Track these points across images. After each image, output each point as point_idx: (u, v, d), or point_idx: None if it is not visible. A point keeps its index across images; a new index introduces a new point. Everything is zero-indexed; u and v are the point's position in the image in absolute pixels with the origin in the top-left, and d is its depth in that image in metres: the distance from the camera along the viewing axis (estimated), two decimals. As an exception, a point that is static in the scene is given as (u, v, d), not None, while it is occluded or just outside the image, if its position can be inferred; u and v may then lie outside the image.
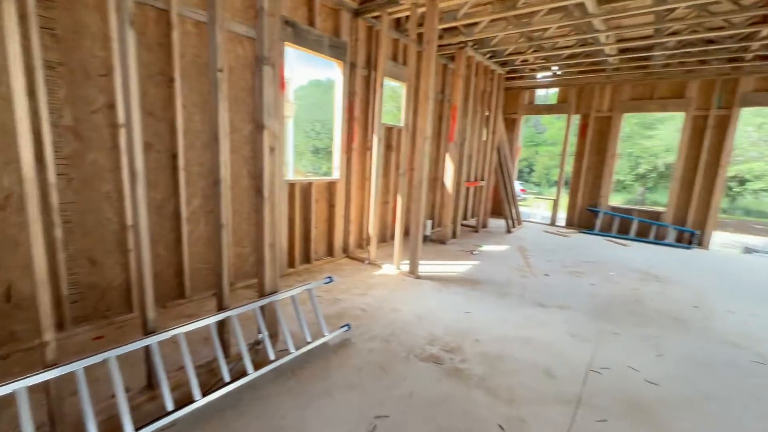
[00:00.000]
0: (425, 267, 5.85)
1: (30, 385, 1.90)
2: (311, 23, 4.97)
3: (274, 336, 3.29)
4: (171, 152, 3.81)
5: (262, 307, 3.07)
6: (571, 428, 2.51)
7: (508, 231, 9.13)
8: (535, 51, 7.79)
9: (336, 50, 5.29)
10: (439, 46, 7.20)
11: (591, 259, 7.01)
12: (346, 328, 3.54)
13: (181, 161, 3.85)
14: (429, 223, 7.73)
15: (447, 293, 4.84)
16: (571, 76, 9.43)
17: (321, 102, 33.24)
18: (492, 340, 3.65)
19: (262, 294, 3.15)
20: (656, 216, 9.05)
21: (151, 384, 2.56)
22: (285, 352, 3.06)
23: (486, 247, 7.45)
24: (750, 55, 7.02)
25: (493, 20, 6.40)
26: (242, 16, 4.22)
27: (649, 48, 7.14)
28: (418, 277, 5.34)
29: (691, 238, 8.50)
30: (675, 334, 4.04)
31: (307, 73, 37.93)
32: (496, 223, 10.07)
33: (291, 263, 5.34)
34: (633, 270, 6.41)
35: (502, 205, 9.44)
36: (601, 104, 9.42)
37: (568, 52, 7.54)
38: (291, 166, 17.24)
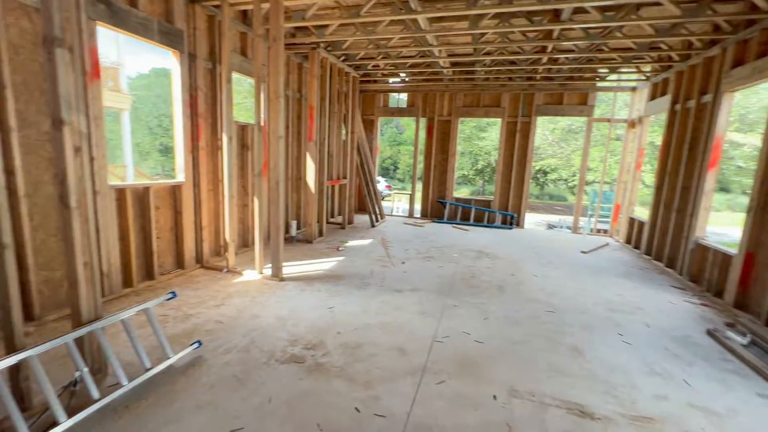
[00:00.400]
0: (290, 268, 5.77)
1: None
2: (133, 3, 4.30)
3: (100, 370, 2.78)
4: None
5: (78, 340, 2.55)
6: (416, 395, 2.85)
7: (372, 225, 9.70)
8: (383, 57, 8.43)
9: (169, 38, 4.72)
10: (292, 44, 7.13)
11: (440, 244, 8.03)
12: (196, 345, 3.23)
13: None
14: (294, 223, 7.62)
15: (311, 292, 4.88)
16: (417, 83, 10.53)
17: (168, 94, 29.01)
18: (353, 330, 3.86)
19: (78, 323, 2.62)
20: (488, 204, 10.92)
21: None
22: (117, 386, 2.63)
23: (351, 243, 7.77)
24: (538, 76, 9.06)
25: (342, 25, 6.67)
26: (27, -17, 3.37)
27: (472, 64, 8.52)
28: (282, 280, 5.23)
29: (511, 220, 10.54)
30: (497, 299, 4.97)
31: (148, 60, 32.63)
32: (362, 219, 10.58)
33: (127, 282, 4.57)
34: (471, 250, 7.61)
35: (365, 202, 9.97)
36: (442, 109, 10.82)
37: (411, 61, 8.40)
38: (131, 168, 14.57)
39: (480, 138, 24.89)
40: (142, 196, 4.69)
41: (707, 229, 6.09)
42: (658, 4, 5.09)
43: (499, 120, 10.49)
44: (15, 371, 2.30)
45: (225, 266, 5.56)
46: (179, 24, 4.87)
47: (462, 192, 28.37)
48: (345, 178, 9.27)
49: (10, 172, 3.21)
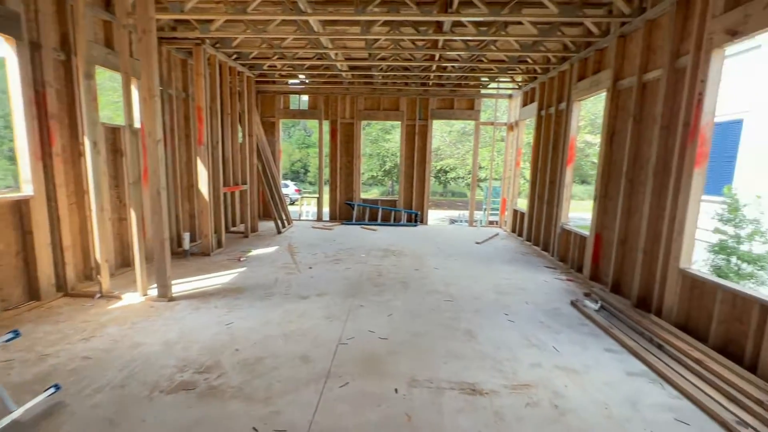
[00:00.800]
0: (183, 285, 5.22)
1: None
2: (-61, -26, 3.42)
3: None
4: None
5: None
6: (319, 402, 2.81)
7: (279, 232, 9.33)
8: (279, 58, 8.15)
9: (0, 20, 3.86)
10: (173, 38, 6.47)
11: (348, 246, 8.08)
12: (52, 390, 2.70)
13: None
14: (187, 235, 6.91)
15: (207, 309, 4.48)
16: (317, 86, 10.44)
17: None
18: (252, 345, 3.64)
19: None
20: (394, 203, 11.35)
21: None
22: (-72, 461, 2.05)
23: (255, 252, 7.36)
24: (431, 82, 9.72)
25: (230, 21, 6.26)
26: None
27: (369, 68, 8.76)
28: (172, 299, 4.70)
29: (416, 217, 11.13)
30: (402, 294, 5.19)
31: (-18, 46, 26.35)
32: (268, 226, 10.09)
33: (-48, 325, 3.62)
34: (378, 249, 7.81)
35: (270, 208, 9.53)
36: (345, 112, 10.91)
37: (309, 63, 8.28)
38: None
39: (386, 140, 25.75)
40: (-30, 215, 3.77)
41: (572, 216, 7.22)
42: (521, 23, 5.87)
43: (399, 123, 10.97)
44: None
45: (98, 291, 4.78)
46: (13, 5, 4.02)
47: (373, 193, 29.05)
48: (245, 183, 8.73)
49: None
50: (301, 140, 35.33)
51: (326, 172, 11.26)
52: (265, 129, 10.65)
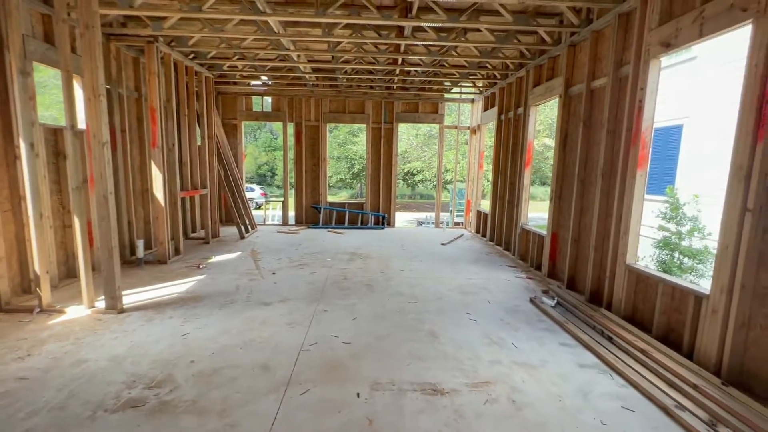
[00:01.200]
0: (135, 296, 4.93)
1: None
2: None
3: None
4: None
5: None
6: (278, 412, 2.73)
7: (242, 237, 9.04)
8: (240, 59, 7.93)
9: None
10: (123, 35, 6.12)
11: (314, 250, 7.97)
12: (-23, 416, 2.46)
13: None
14: (141, 242, 6.54)
15: (161, 320, 4.25)
16: (280, 87, 10.25)
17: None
18: (210, 356, 3.49)
19: None
20: (361, 206, 11.32)
21: None
22: None
23: (216, 258, 7.09)
24: (395, 86, 9.81)
25: (185, 18, 6.02)
26: None
27: (333, 71, 8.71)
28: (122, 311, 4.42)
29: (383, 220, 11.16)
30: (367, 297, 5.17)
31: None
32: (230, 231, 9.77)
33: None
34: (345, 253, 7.76)
35: (232, 213, 9.22)
36: (309, 114, 10.78)
37: (271, 64, 8.11)
38: None
39: (353, 143, 25.69)
40: None
41: (533, 216, 7.51)
42: (479, 30, 6.05)
43: (365, 126, 10.98)
44: None
45: (37, 305, 4.41)
46: (-67, -6, 3.66)
47: (342, 196, 28.87)
48: (205, 187, 8.40)
49: None
50: (268, 143, 34.53)
51: (291, 175, 11.07)
52: (227, 131, 10.32)
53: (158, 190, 6.49)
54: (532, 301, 5.12)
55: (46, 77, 16.69)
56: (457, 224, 12.51)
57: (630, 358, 3.47)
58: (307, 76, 8.91)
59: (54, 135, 5.21)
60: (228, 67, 8.58)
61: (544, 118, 20.29)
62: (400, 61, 7.74)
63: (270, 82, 10.00)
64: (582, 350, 3.78)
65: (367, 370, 3.33)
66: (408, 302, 5.03)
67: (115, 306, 4.40)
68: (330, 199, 11.47)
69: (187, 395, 2.89)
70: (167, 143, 6.77)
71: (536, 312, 4.80)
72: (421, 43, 6.33)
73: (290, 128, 10.86)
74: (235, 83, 10.16)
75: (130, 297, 4.87)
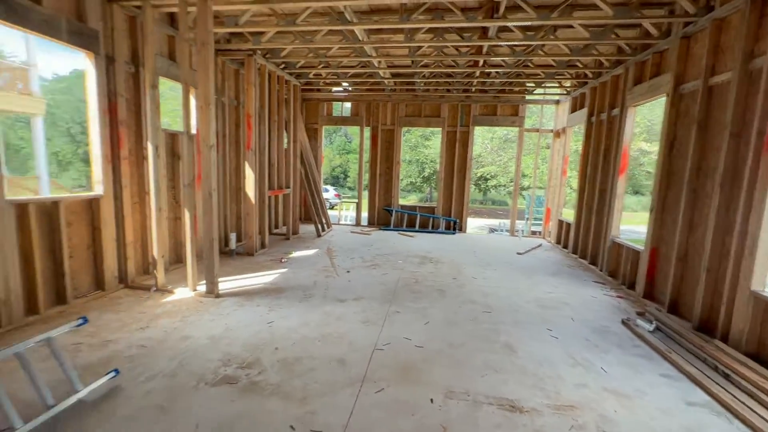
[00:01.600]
0: (228, 283, 5.49)
1: None
2: (36, -1, 3.89)
3: (-12, 414, 2.41)
4: None
5: (-42, 381, 2.20)
6: (354, 406, 2.82)
7: (319, 235, 9.56)
8: (324, 67, 8.42)
9: (81, 38, 4.32)
10: (227, 50, 6.88)
11: (386, 252, 8.11)
12: (112, 374, 2.93)
13: None
14: (234, 236, 7.27)
15: (250, 307, 4.67)
16: (360, 93, 10.63)
17: (78, 98, 26.47)
18: (291, 345, 3.74)
19: (-42, 362, 2.26)
20: (432, 210, 11.25)
21: None
22: (8, 431, 2.29)
23: (296, 254, 7.58)
24: (473, 89, 9.58)
25: (280, 32, 6.57)
26: None
27: (411, 75, 8.80)
28: (218, 296, 4.95)
29: (454, 225, 10.95)
30: (439, 302, 5.11)
31: (68, 62, 29.53)
32: (308, 229, 10.39)
33: (32, 309, 4.04)
34: (415, 256, 7.77)
35: (311, 211, 9.80)
36: (386, 118, 11.02)
37: (352, 71, 8.47)
38: (46, 180, 13.02)
39: (425, 146, 25.67)
40: (51, 211, 4.21)
41: (623, 228, 6.77)
42: (571, 26, 5.64)
43: (440, 129, 10.90)
44: None
45: (153, 285, 5.14)
46: (93, 23, 4.48)
47: (411, 199, 29.02)
48: (288, 187, 9.05)
49: None
50: (342, 146, 36.11)
51: (366, 177, 11.42)
52: (309, 135, 11.00)
53: (250, 188, 7.15)
54: (624, 323, 4.60)
55: (163, 89, 19.48)
56: (534, 233, 11.79)
57: (755, 402, 2.94)
58: (385, 81, 9.13)
59: (171, 139, 6.03)
60: (313, 75, 9.16)
61: (640, 120, 18.22)
62: (480, 63, 7.54)
63: (350, 88, 10.44)
64: (689, 385, 3.30)
65: (441, 376, 3.28)
66: (482, 311, 4.86)
67: (213, 291, 4.94)
68: (400, 202, 11.59)
69: (273, 379, 3.12)
70: (259, 146, 7.43)
71: (629, 335, 4.30)
72: (506, 43, 6.10)
73: (366, 132, 11.21)
74: (318, 90, 10.79)
75: (225, 284, 5.42)
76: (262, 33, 6.48)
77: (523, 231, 11.84)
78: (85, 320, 2.95)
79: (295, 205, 9.33)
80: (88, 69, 4.58)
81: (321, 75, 9.26)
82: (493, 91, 9.79)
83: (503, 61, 7.42)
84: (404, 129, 11.23)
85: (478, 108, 10.52)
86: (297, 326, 4.18)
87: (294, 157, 9.13)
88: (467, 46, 6.80)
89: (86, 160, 25.38)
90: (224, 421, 2.60)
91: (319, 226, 9.72)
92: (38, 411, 2.48)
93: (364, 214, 11.68)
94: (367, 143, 11.26)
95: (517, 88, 9.52)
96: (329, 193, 21.20)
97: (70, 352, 3.38)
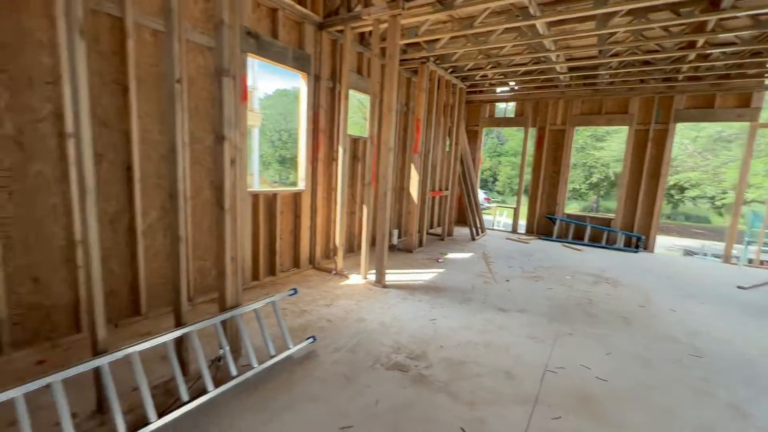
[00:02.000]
0: (392, 276, 5.92)
1: (-39, 415, 1.76)
2: (275, 35, 4.99)
3: (236, 351, 3.21)
4: (126, 163, 3.67)
5: (223, 322, 3.00)
6: (528, 427, 2.62)
7: (472, 239, 9.41)
8: (493, 67, 8.20)
9: (300, 62, 5.33)
10: (403, 60, 7.42)
11: (548, 264, 7.37)
12: (311, 340, 3.52)
13: (136, 173, 3.71)
14: (396, 232, 7.83)
15: (413, 301, 4.92)
16: (527, 91, 9.97)
17: (287, 111, 32.91)
18: (455, 346, 3.75)
19: (223, 308, 3.08)
20: (607, 222, 9.67)
21: (102, 408, 2.43)
22: (248, 367, 3.00)
23: (451, 255, 7.65)
24: (681, 76, 7.75)
25: (453, 37, 6.71)
26: (203, 26, 4.17)
27: (595, 67, 7.72)
28: (385, 287, 5.39)
29: (637, 242, 9.14)
30: (622, 332, 4.33)
31: (274, 83, 37.47)
32: (461, 232, 10.35)
33: (255, 276, 5.23)
34: (587, 273, 6.80)
35: (466, 214, 9.73)
36: (555, 118, 10.02)
37: (523, 69, 8.00)
38: (257, 176, 16.88)
39: (597, 148, 22.35)
40: (271, 201, 5.35)
41: None
42: None
43: (626, 128, 9.26)
44: (180, 342, 2.81)
45: (333, 268, 5.97)
46: (308, 49, 5.48)
47: (571, 208, 25.77)
48: (447, 189, 9.21)
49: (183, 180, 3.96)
50: (493, 148, 34.78)
51: (526, 181, 10.65)
52: (468, 137, 10.94)
53: (414, 189, 7.56)
54: None
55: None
56: (762, 263, 8.83)
57: None
58: (561, 76, 8.29)
59: (353, 143, 6.88)
60: (480, 77, 9.04)
61: None
62: (699, 43, 6.03)
63: (517, 87, 9.90)
64: None
65: (635, 419, 2.75)
66: (687, 354, 3.88)
67: (381, 281, 5.41)
68: (565, 210, 10.34)
69: (440, 377, 3.19)
70: (424, 149, 7.77)
71: None
72: (745, 13, 4.69)
73: (531, 133, 10.43)
74: (481, 91, 10.61)
75: (388, 276, 5.87)
76: (436, 40, 6.74)
77: (743, 259, 9.00)
78: (295, 291, 3.62)
79: (451, 207, 9.43)
80: (302, 87, 5.62)
81: (487, 76, 9.07)
82: (712, 77, 7.72)
83: (736, 37, 5.75)
84: (576, 129, 9.96)
85: (684, 100, 8.48)
86: (458, 328, 4.18)
87: (454, 159, 9.23)
88: (683, 24, 5.53)
89: (281, 161, 31.68)
90: (398, 404, 2.79)
91: (474, 230, 9.57)
92: (263, 357, 3.17)
93: (522, 221, 10.92)
94: (530, 145, 10.47)
95: (751, 71, 7.26)
96: (479, 197, 20.68)
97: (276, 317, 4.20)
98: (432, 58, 7.38)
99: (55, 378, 2.06)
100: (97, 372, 2.35)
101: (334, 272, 5.92)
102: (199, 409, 2.58)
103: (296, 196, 5.78)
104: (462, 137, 9.70)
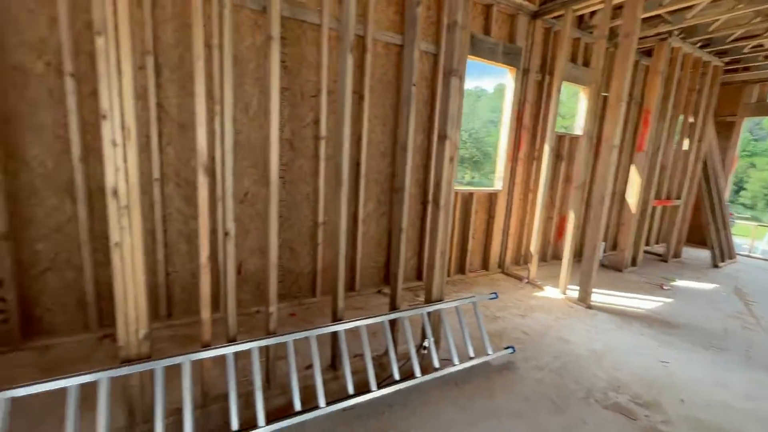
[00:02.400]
0: (596, 296, 5.05)
1: (260, 346, 2.37)
2: (487, 32, 4.91)
3: (437, 343, 3.32)
4: (355, 161, 4.30)
5: (428, 313, 3.13)
6: None
7: (715, 265, 7.12)
8: (779, 32, 5.88)
9: (509, 57, 5.09)
10: (631, 40, 6.16)
11: None
12: (510, 350, 3.31)
13: (362, 169, 4.30)
14: (602, 245, 6.65)
15: (630, 332, 4.04)
16: (840, 61, 6.77)
17: (469, 111, 32.99)
18: (705, 405, 2.85)
19: (428, 300, 3.22)
20: None
21: (334, 365, 2.90)
22: (447, 361, 3.04)
23: (681, 283, 5.98)
24: None
25: (714, 1, 5.12)
26: (424, 33, 4.46)
27: None
28: (590, 307, 4.63)
29: None
30: None
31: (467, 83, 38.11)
32: (694, 254, 8.01)
33: (447, 272, 5.36)
34: None
35: (706, 231, 7.44)
36: None
37: (841, 27, 5.42)
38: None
39: None
40: (467, 200, 5.35)
41: None
42: None
43: None
44: (393, 324, 3.09)
45: (525, 277, 5.54)
46: (519, 42, 5.17)
47: None
48: (678, 198, 7.25)
49: (396, 175, 4.38)
50: (743, 145, 25.61)
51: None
52: (718, 130, 8.31)
53: (632, 195, 6.24)
54: None
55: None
56: None
57: None
58: None
59: (558, 140, 6.17)
60: (751, 48, 6.66)
61: None
62: None
63: (818, 57, 6.84)
64: None
65: None
66: None
67: (585, 300, 4.68)
68: None
69: (686, 440, 2.47)
70: (651, 147, 6.30)
71: None
72: None
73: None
74: (746, 68, 7.83)
75: (593, 295, 5.02)
76: (687, 8, 5.28)
77: None
78: (496, 295, 3.47)
79: (684, 220, 7.38)
80: (508, 82, 5.37)
81: (763, 46, 6.59)
82: None
83: None
84: None
85: None
86: (707, 383, 3.17)
87: (696, 160, 7.16)
88: None
89: (466, 160, 31.99)
90: (625, 458, 2.29)
91: (717, 253, 7.22)
92: (462, 356, 3.15)
93: (806, 250, 7.59)
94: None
95: None
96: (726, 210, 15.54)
97: (471, 317, 4.15)
98: (676, 32, 5.85)
99: (312, 333, 2.55)
100: (334, 335, 2.80)
101: (526, 280, 5.48)
102: (408, 390, 2.77)
103: (491, 196, 5.61)
104: (709, 131, 7.42)
